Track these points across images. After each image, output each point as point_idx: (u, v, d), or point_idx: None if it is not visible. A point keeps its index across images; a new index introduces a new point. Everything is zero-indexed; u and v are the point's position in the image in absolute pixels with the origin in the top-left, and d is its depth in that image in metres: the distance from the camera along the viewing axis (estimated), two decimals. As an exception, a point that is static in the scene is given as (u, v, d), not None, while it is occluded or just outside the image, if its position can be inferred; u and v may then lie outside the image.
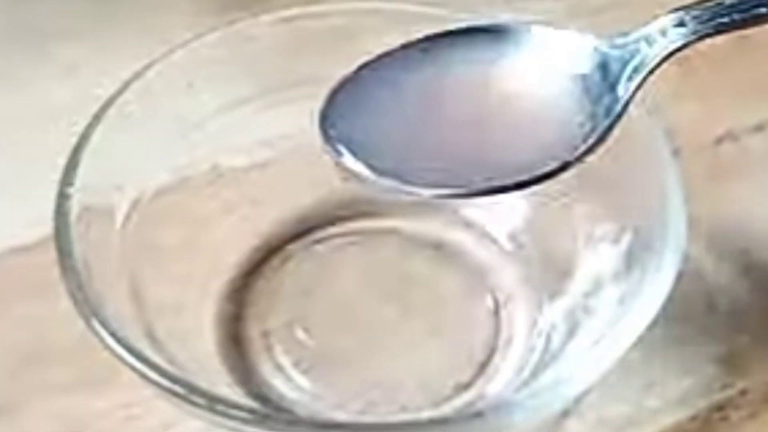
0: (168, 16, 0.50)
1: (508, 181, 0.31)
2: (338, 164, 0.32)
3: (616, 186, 0.36)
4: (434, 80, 0.33)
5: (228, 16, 0.38)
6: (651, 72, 0.31)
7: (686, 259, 0.31)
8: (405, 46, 0.33)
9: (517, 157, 0.31)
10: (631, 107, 0.33)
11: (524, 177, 0.31)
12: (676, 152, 0.34)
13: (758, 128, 0.46)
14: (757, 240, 0.42)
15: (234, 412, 0.28)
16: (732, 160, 0.45)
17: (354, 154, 0.31)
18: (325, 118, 0.32)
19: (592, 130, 0.31)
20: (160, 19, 0.50)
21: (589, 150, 0.31)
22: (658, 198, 0.33)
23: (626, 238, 0.35)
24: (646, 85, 0.32)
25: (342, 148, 0.31)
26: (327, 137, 0.32)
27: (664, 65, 0.31)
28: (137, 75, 0.36)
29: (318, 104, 0.33)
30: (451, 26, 0.34)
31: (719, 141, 0.46)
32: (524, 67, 0.33)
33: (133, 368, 0.29)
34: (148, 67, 0.36)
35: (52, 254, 0.31)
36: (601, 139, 0.31)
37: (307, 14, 0.38)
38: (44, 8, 0.51)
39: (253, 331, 0.38)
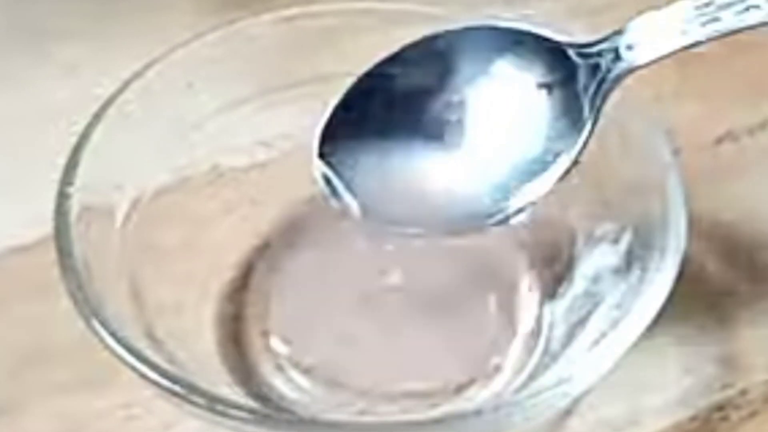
0: (168, 15, 0.50)
1: (486, 221, 0.33)
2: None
3: (617, 186, 0.36)
4: (411, 104, 0.34)
5: (228, 15, 0.38)
6: (615, 85, 0.32)
7: (686, 259, 0.31)
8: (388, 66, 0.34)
9: (489, 194, 0.33)
10: (632, 113, 0.34)
11: (498, 217, 0.33)
12: (676, 152, 0.34)
13: (759, 128, 0.46)
14: (757, 240, 0.42)
15: (234, 412, 0.28)
16: (732, 160, 0.45)
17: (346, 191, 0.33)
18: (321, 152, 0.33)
19: (561, 155, 0.32)
20: (160, 18, 0.50)
21: (563, 176, 0.32)
22: (658, 198, 0.33)
23: (626, 238, 0.35)
24: (646, 85, 0.32)
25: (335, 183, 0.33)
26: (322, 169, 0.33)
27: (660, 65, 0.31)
28: (137, 74, 0.36)
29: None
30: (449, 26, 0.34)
31: (719, 141, 0.46)
32: (494, 86, 0.33)
33: (133, 368, 0.29)
34: (148, 66, 0.36)
35: (52, 254, 0.31)
36: (574, 163, 0.32)
37: (307, 14, 0.38)
38: (44, 8, 0.52)
39: (253, 331, 0.38)
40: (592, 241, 0.37)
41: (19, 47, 0.49)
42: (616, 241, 0.35)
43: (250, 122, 0.39)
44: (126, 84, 0.35)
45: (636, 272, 0.33)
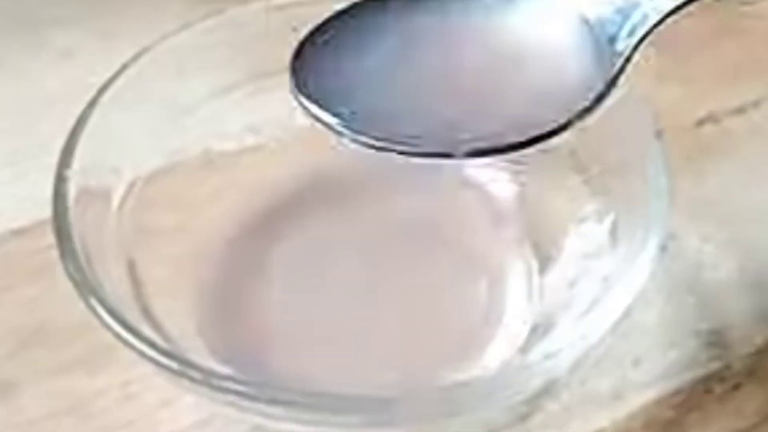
0: (161, 3, 0.50)
1: (500, 143, 0.29)
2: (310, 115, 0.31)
3: (601, 167, 0.37)
4: (419, 29, 0.32)
5: (219, 3, 0.38)
6: (653, 28, 0.30)
7: (669, 237, 0.32)
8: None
9: (510, 115, 0.30)
10: (615, 95, 0.34)
11: (518, 138, 0.29)
12: (658, 134, 0.34)
13: (739, 111, 0.47)
14: (737, 219, 0.42)
15: (230, 386, 0.28)
16: (713, 142, 0.46)
17: (328, 108, 0.31)
18: (298, 71, 0.32)
19: (590, 89, 0.30)
20: (153, 7, 0.50)
21: (588, 110, 0.30)
22: (641, 178, 0.33)
23: (611, 218, 0.35)
24: (628, 68, 0.32)
25: (316, 104, 0.31)
26: (300, 91, 0.31)
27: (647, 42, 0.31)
28: (131, 61, 0.36)
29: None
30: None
31: (701, 123, 0.46)
32: (519, 16, 0.32)
33: (131, 346, 0.29)
34: (141, 53, 0.36)
35: (50, 236, 0.31)
36: (600, 99, 0.30)
37: (297, 1, 0.39)
38: (39, -4, 0.52)
39: (243, 312, 0.38)
40: (578, 220, 0.37)
41: (16, 35, 0.50)
42: (600, 220, 0.36)
43: (241, 107, 0.40)
44: (120, 70, 0.36)
45: (620, 250, 0.33)
